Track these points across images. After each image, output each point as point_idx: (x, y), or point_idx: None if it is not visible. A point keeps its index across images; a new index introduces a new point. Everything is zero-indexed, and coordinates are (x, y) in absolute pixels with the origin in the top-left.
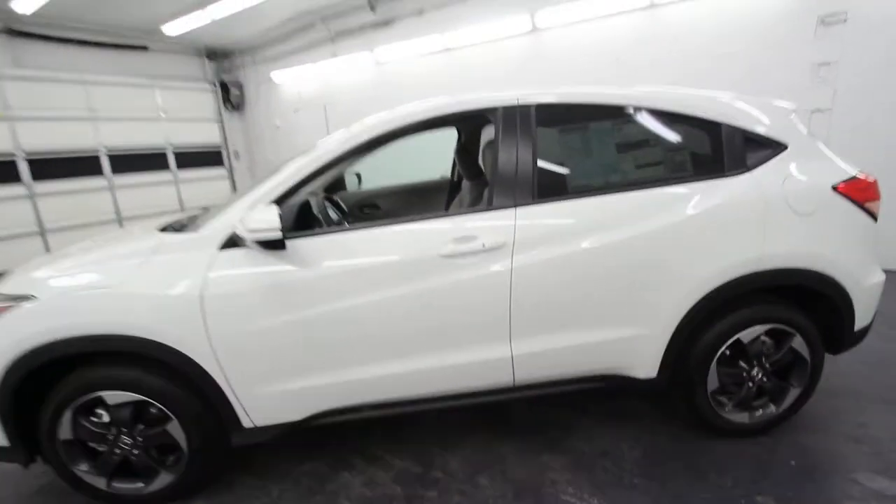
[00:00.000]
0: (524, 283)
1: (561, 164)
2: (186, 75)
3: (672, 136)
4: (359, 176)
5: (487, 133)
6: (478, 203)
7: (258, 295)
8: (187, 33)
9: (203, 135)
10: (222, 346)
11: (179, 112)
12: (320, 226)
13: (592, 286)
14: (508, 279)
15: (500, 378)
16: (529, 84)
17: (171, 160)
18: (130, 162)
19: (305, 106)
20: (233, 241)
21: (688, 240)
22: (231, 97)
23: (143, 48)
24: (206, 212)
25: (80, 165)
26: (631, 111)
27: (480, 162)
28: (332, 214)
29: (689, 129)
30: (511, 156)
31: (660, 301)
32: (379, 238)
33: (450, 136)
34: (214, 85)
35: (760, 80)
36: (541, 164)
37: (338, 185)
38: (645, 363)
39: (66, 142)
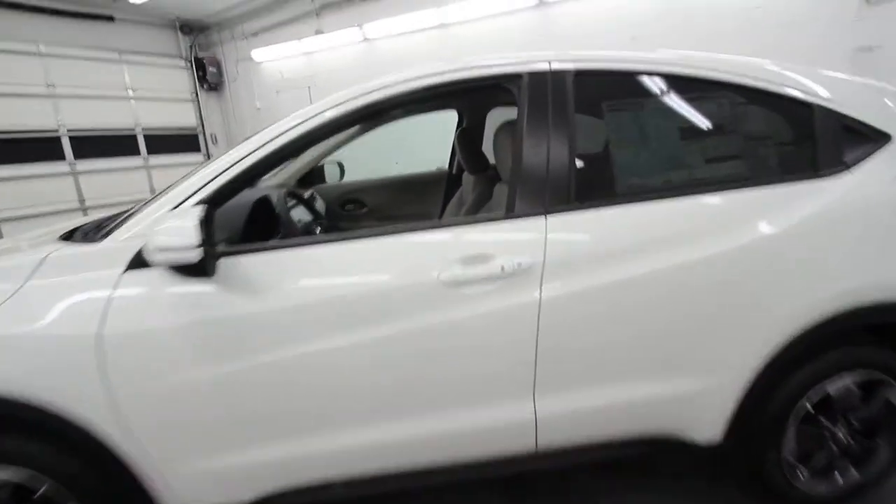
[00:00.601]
0: (556, 320)
1: (608, 155)
2: (158, 50)
3: (753, 120)
4: (341, 166)
5: (496, 115)
6: (483, 202)
7: (182, 336)
8: (155, 0)
9: (177, 116)
10: (130, 407)
11: (150, 91)
12: (285, 231)
13: (647, 325)
14: (535, 316)
15: (519, 444)
16: None
17: (141, 143)
18: (95, 145)
19: (288, 86)
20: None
21: (775, 263)
22: (208, 76)
23: (109, 18)
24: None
25: (37, 147)
26: (704, 85)
27: (492, 151)
28: (300, 215)
29: (772, 114)
30: (540, 142)
31: (734, 344)
32: (354, 256)
33: (448, 120)
34: (189, 62)
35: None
36: (581, 154)
37: (315, 176)
38: (708, 423)
39: (21, 121)
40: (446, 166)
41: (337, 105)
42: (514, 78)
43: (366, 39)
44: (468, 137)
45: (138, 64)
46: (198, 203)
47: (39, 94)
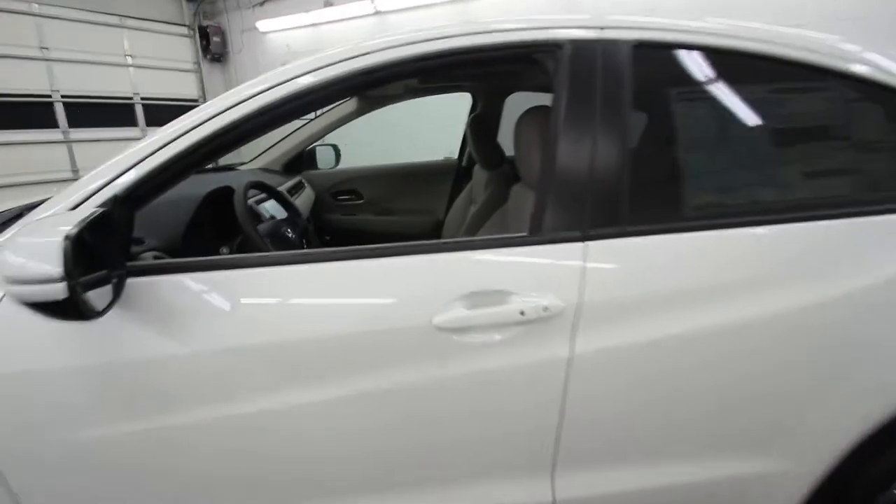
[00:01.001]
0: (591, 385)
1: (674, 161)
2: (160, 17)
3: (861, 124)
4: (336, 149)
5: (517, 101)
6: (495, 204)
7: (76, 383)
8: None
9: (177, 87)
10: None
11: (150, 59)
12: (243, 236)
13: (714, 393)
14: (562, 378)
15: None
16: None
17: (139, 113)
18: (90, 113)
19: (294, 59)
20: None
21: (882, 317)
22: (212, 45)
23: None
24: None
25: (29, 113)
26: (809, 73)
27: (513, 143)
28: (267, 211)
29: (884, 115)
30: (582, 138)
31: (825, 418)
32: (319, 284)
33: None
34: (193, 30)
35: None
36: (638, 158)
37: (305, 161)
38: None
39: (12, 84)
40: (455, 155)
41: (314, 70)
42: (551, 48)
43: (377, 12)
44: (481, 126)
45: (139, 30)
46: (108, 200)
47: (32, 56)
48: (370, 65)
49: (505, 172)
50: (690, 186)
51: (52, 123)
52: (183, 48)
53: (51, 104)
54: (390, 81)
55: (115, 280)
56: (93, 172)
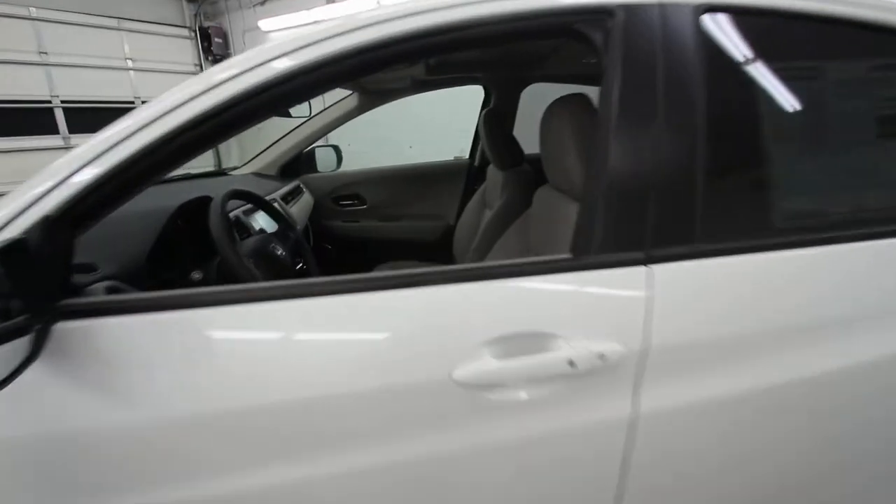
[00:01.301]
0: (660, 450)
1: (760, 161)
2: (160, 18)
3: None
4: (338, 151)
5: (538, 91)
6: (514, 210)
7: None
8: None
9: None
10: None
11: (151, 62)
12: (221, 260)
13: (820, 451)
14: (622, 443)
15: None
16: None
17: None
18: (91, 118)
19: None
20: None
21: None
22: (213, 47)
23: None
24: None
25: (28, 119)
26: None
27: (540, 139)
28: (258, 224)
29: None
30: (639, 132)
31: None
32: (305, 325)
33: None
34: (194, 32)
35: None
36: (713, 157)
37: (303, 163)
38: None
39: (11, 89)
40: (467, 154)
41: (293, 50)
42: (599, 15)
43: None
44: (496, 121)
45: (139, 32)
46: (37, 223)
47: (31, 61)
48: (364, 43)
49: (524, 173)
50: (784, 191)
51: (52, 129)
52: (184, 50)
53: (51, 110)
54: (391, 64)
55: (36, 329)
56: (20, 187)
